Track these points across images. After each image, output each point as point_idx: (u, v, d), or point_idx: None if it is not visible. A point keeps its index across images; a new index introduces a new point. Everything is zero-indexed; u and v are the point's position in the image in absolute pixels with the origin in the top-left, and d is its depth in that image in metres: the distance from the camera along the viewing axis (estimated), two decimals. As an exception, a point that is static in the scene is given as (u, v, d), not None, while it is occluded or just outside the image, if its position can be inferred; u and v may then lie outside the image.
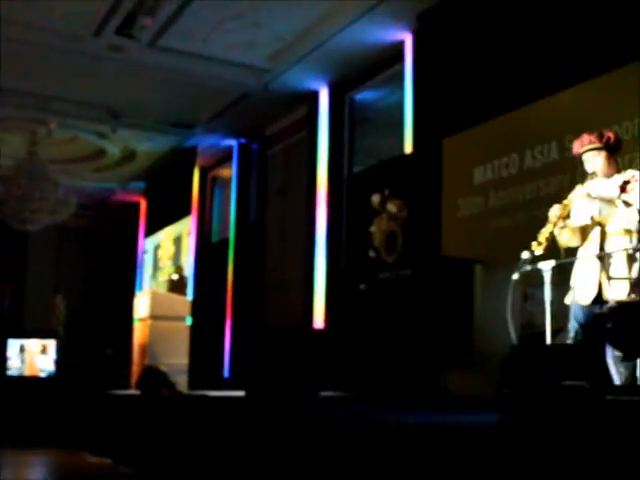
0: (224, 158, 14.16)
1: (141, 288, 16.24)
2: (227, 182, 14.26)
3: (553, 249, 5.23)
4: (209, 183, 15.06)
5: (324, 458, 4.68)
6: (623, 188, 5.14)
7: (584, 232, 5.25)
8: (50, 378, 11.72)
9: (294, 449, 4.95)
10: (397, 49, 9.66)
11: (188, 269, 14.48)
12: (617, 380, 4.78)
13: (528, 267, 5.18)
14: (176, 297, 11.80)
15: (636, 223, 5.02)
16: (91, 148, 14.24)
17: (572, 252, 5.30)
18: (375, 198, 9.64)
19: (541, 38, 7.48)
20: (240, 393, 7.14)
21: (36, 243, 17.15)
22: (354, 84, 10.87)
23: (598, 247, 5.15)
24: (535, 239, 5.10)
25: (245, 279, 13.16)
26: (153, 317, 10.35)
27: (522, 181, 7.66)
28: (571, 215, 5.27)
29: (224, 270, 13.45)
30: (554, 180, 7.24)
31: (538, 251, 5.07)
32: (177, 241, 15.43)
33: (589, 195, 5.18)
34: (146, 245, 16.91)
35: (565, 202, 5.22)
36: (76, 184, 14.87)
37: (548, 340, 5.05)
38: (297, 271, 11.64)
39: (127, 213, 17.58)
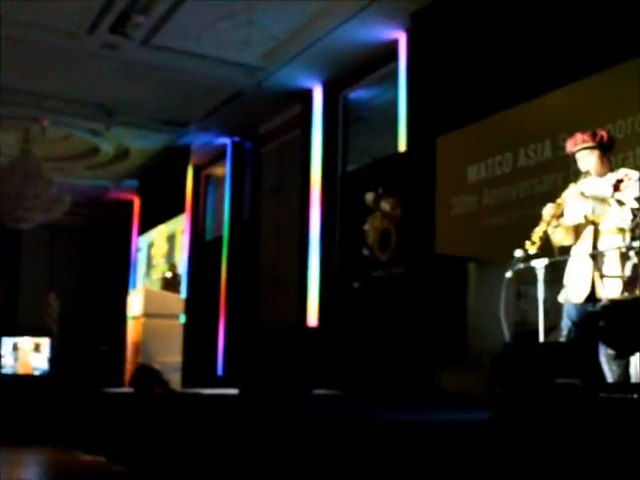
0: (218, 156, 14.15)
1: (135, 286, 16.23)
2: (221, 180, 14.26)
3: (547, 248, 5.24)
4: (203, 181, 15.05)
5: (317, 456, 4.68)
6: (616, 187, 5.15)
7: (577, 231, 5.26)
8: (44, 376, 11.70)
9: (287, 447, 4.95)
10: (391, 48, 9.66)
11: (182, 267, 14.47)
12: (610, 378, 4.80)
13: (521, 265, 5.20)
14: (170, 295, 11.78)
15: (629, 222, 5.03)
16: (85, 146, 14.22)
17: (566, 251, 5.31)
18: (369, 196, 9.65)
19: (534, 37, 7.49)
20: (234, 391, 7.14)
21: (30, 241, 17.13)
22: (348, 83, 10.87)
23: (591, 246, 5.17)
24: (529, 237, 5.11)
25: (239, 277, 13.16)
26: (147, 315, 10.34)
27: (516, 180, 7.67)
28: (564, 214, 5.29)
29: (218, 268, 13.44)
30: (548, 179, 7.26)
31: (532, 250, 5.08)
32: (171, 239, 15.42)
33: (582, 194, 5.19)
34: (140, 243, 16.90)
35: (559, 201, 5.23)
36: (70, 182, 14.86)
37: (541, 338, 5.06)
38: (291, 269, 11.64)
39: (121, 211, 17.56)
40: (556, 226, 5.23)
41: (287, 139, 12.44)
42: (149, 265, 16.26)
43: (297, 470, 4.79)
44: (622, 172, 5.26)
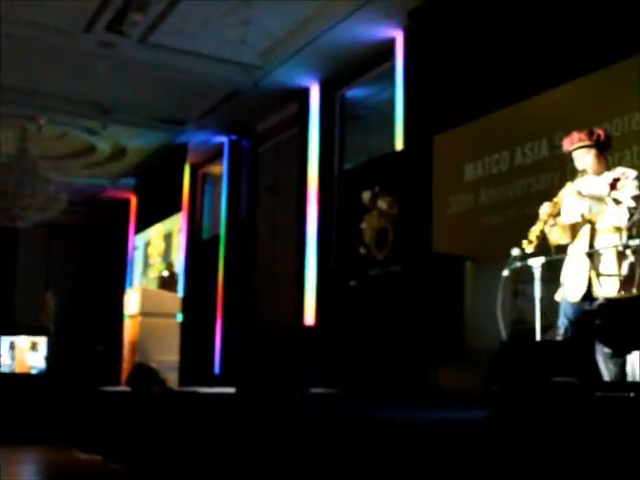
0: (215, 155, 14.15)
1: (131, 285, 16.22)
2: (218, 179, 14.25)
3: (543, 246, 5.24)
4: (200, 180, 15.05)
5: (314, 455, 4.68)
6: (613, 186, 5.16)
7: (574, 230, 5.26)
8: (41, 375, 11.69)
9: (284, 446, 4.95)
10: (388, 46, 9.66)
11: (179, 266, 14.46)
12: (606, 376, 4.80)
13: (518, 264, 5.20)
14: (166, 294, 11.77)
15: (626, 220, 5.04)
16: (81, 144, 14.21)
17: (562, 249, 5.32)
18: (366, 195, 9.65)
19: (531, 36, 7.50)
20: (231, 390, 7.14)
21: (26, 240, 17.11)
22: (345, 81, 10.87)
23: (588, 244, 5.17)
24: (525, 236, 5.12)
25: (236, 276, 13.15)
26: (143, 314, 10.33)
27: (512, 178, 7.68)
28: (561, 213, 5.29)
29: (215, 267, 13.44)
30: (544, 177, 7.27)
31: (529, 249, 5.09)
32: (167, 238, 15.41)
33: (579, 193, 5.20)
34: (136, 242, 16.88)
35: (555, 200, 5.24)
36: (66, 180, 14.84)
37: (538, 337, 5.07)
38: (288, 268, 11.64)
39: (117, 210, 17.55)
40: (553, 225, 5.24)
41: (284, 137, 12.44)
42: (146, 264, 16.24)
43: (294, 469, 4.79)
44: (619, 171, 5.27)
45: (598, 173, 5.29)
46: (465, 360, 6.97)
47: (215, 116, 12.51)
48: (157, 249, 15.76)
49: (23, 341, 11.94)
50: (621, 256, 5.05)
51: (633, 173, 5.19)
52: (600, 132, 5.36)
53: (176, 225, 14.89)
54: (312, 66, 10.58)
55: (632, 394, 4.19)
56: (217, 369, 12.97)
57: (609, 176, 5.23)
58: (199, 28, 9.71)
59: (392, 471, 4.07)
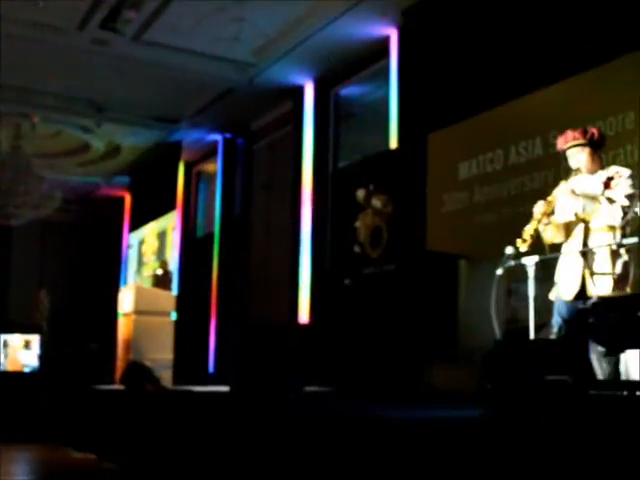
0: (209, 153, 14.14)
1: (125, 283, 16.20)
2: (212, 177, 14.24)
3: (538, 245, 5.25)
4: (194, 178, 15.03)
5: (308, 453, 4.68)
6: (607, 184, 5.16)
7: (568, 228, 5.27)
8: (34, 373, 11.66)
9: (279, 444, 4.95)
10: (382, 44, 9.66)
11: (173, 264, 14.44)
12: (600, 375, 4.81)
13: (512, 262, 5.20)
14: (161, 292, 11.74)
15: (619, 219, 5.04)
16: (75, 142, 14.18)
17: (556, 248, 5.32)
18: (360, 193, 9.64)
19: (526, 34, 7.50)
20: (225, 388, 7.14)
21: (20, 238, 17.08)
22: (339, 79, 10.87)
23: (582, 243, 5.17)
24: (520, 234, 5.12)
25: (230, 274, 13.14)
26: (137, 312, 10.29)
27: (506, 177, 7.68)
28: (555, 211, 5.29)
29: (209, 265, 13.43)
30: (538, 176, 7.27)
31: (523, 248, 5.09)
32: (161, 236, 15.39)
33: (573, 192, 5.20)
34: (131, 240, 16.86)
35: (549, 198, 5.24)
36: (60, 178, 14.83)
37: (532, 335, 5.07)
38: (282, 266, 11.64)
39: (111, 208, 17.53)
40: (547, 224, 5.24)
41: (278, 136, 12.43)
42: (140, 262, 16.22)
43: (288, 467, 4.78)
44: (613, 169, 5.27)
45: (592, 172, 5.29)
46: (459, 359, 6.97)
47: (209, 114, 12.50)
48: (151, 247, 15.74)
49: (16, 339, 11.91)
50: (615, 255, 5.06)
51: (627, 172, 5.19)
52: (594, 131, 5.37)
53: (170, 223, 14.88)
54: (306, 64, 10.58)
55: (626, 393, 4.19)
56: (211, 367, 12.97)
57: (603, 175, 5.23)
58: (193, 25, 9.70)
59: (386, 470, 4.07)
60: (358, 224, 9.65)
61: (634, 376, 4.74)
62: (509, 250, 5.16)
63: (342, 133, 11.06)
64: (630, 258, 5.06)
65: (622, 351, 4.68)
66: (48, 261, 17.93)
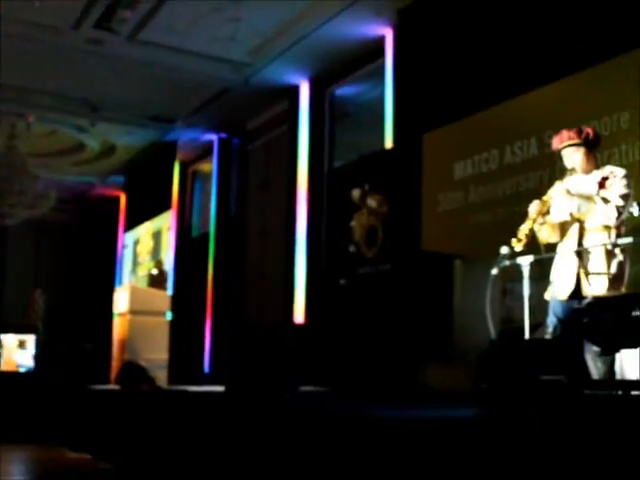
0: (204, 152, 14.13)
1: (121, 283, 16.18)
2: (207, 177, 14.23)
3: (533, 245, 5.25)
4: (189, 178, 15.02)
5: (304, 453, 4.68)
6: (602, 184, 5.16)
7: (563, 228, 5.27)
8: (29, 373, 11.65)
9: (274, 444, 4.95)
10: (378, 44, 9.66)
11: (168, 264, 14.43)
12: (595, 375, 4.81)
13: (507, 262, 5.21)
14: (156, 292, 11.75)
15: (614, 219, 5.04)
16: (70, 142, 14.16)
17: (552, 248, 5.33)
18: (355, 193, 9.65)
19: (521, 34, 7.51)
20: (220, 388, 7.14)
21: (15, 237, 17.06)
22: (335, 79, 10.87)
23: (577, 243, 5.18)
24: (515, 234, 5.12)
25: (225, 274, 13.14)
26: (133, 312, 10.30)
27: (502, 176, 7.69)
28: (550, 211, 5.30)
29: (204, 265, 13.42)
30: (533, 176, 7.28)
31: (518, 247, 5.09)
32: (156, 236, 15.37)
33: (568, 191, 5.20)
34: (126, 240, 16.84)
35: (544, 198, 5.24)
36: (55, 178, 14.79)
37: (527, 335, 5.08)
38: (277, 266, 11.63)
39: (107, 207, 17.50)
40: (542, 223, 5.25)
41: (274, 135, 12.43)
42: (135, 262, 16.21)
43: (284, 467, 4.79)
44: (607, 169, 5.28)
45: (587, 172, 5.29)
46: (454, 358, 6.98)
47: (205, 114, 12.49)
48: (146, 247, 15.73)
49: (11, 339, 11.90)
50: (610, 255, 5.06)
51: (622, 172, 5.20)
52: (589, 130, 5.37)
53: (165, 223, 14.87)
54: (302, 64, 10.57)
55: (620, 392, 4.20)
56: (206, 367, 12.95)
57: (598, 175, 5.24)
58: (188, 25, 9.69)
59: (382, 469, 4.07)
60: (353, 224, 9.66)
61: (629, 376, 4.75)
62: (504, 250, 5.17)
63: (337, 133, 11.05)
64: (625, 258, 5.07)
65: (617, 351, 4.69)
66: (43, 261, 17.90)
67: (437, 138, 8.56)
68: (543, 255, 5.28)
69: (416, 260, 8.31)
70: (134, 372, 8.45)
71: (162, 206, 14.83)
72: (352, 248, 9.62)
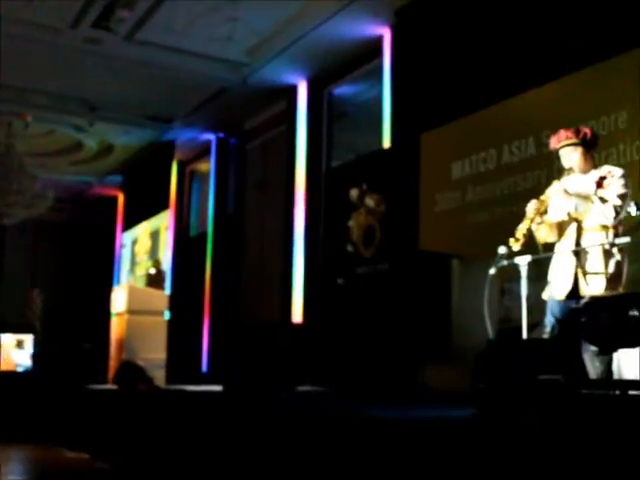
0: (202, 152, 14.13)
1: (119, 282, 16.18)
2: (205, 176, 14.23)
3: (531, 244, 5.25)
4: (187, 177, 15.02)
5: (301, 452, 4.69)
6: (599, 184, 5.17)
7: (561, 228, 5.27)
8: (27, 373, 11.64)
9: (271, 443, 4.95)
10: (376, 44, 9.67)
11: (166, 263, 14.43)
12: (593, 374, 4.82)
13: (505, 262, 5.21)
14: (154, 291, 11.72)
15: (612, 219, 5.05)
16: (68, 141, 14.16)
17: (550, 247, 5.33)
18: (353, 193, 9.65)
19: (518, 34, 7.51)
20: (218, 388, 7.13)
21: (13, 237, 17.04)
22: (333, 79, 10.87)
23: (574, 243, 5.18)
24: (512, 234, 5.12)
25: (223, 273, 13.14)
26: (130, 311, 10.28)
27: (499, 176, 7.69)
28: (548, 211, 5.30)
29: (202, 264, 13.42)
30: (531, 175, 7.28)
31: (516, 247, 5.09)
32: (154, 236, 15.37)
33: (566, 191, 5.20)
34: (124, 239, 16.83)
35: (542, 198, 5.24)
36: (53, 178, 14.79)
37: (524, 335, 5.08)
38: (275, 265, 11.64)
39: (104, 207, 17.50)
40: (540, 223, 5.24)
41: (272, 135, 12.43)
42: (133, 261, 16.20)
43: (280, 466, 4.79)
44: (605, 169, 5.28)
45: (585, 171, 5.30)
46: (452, 358, 6.98)
47: (202, 113, 12.49)
48: (143, 247, 15.73)
49: (9, 339, 11.89)
50: (607, 254, 5.07)
51: (619, 171, 5.20)
52: (587, 130, 5.37)
53: (163, 222, 14.86)
54: (300, 63, 10.57)
55: (618, 392, 4.20)
56: (204, 367, 12.96)
57: (596, 174, 5.24)
58: (186, 25, 9.69)
59: (379, 469, 4.08)
60: (351, 223, 9.66)
61: (626, 375, 4.76)
62: (502, 250, 5.17)
63: (335, 132, 11.06)
64: (623, 257, 5.07)
65: (614, 350, 4.69)
66: (41, 260, 17.89)
67: (435, 138, 8.56)
68: (541, 255, 5.28)
69: (414, 260, 8.32)
70: (132, 372, 8.44)
71: (160, 206, 14.83)
72: (350, 248, 9.62)
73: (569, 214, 5.21)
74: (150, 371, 8.79)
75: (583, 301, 4.81)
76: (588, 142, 5.33)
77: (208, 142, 13.71)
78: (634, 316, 4.19)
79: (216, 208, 13.41)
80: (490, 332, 5.22)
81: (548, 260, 5.33)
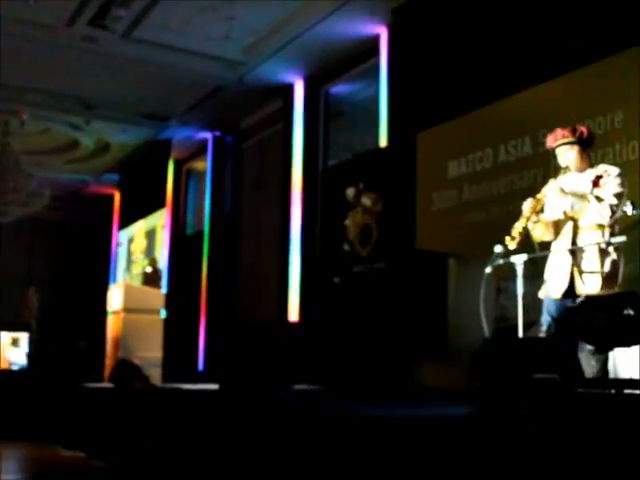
0: (199, 151, 14.12)
1: (115, 281, 16.16)
2: (202, 175, 14.23)
3: (527, 243, 5.26)
4: (184, 176, 15.01)
5: (298, 451, 4.69)
6: (595, 183, 5.17)
7: (557, 226, 5.28)
8: (22, 371, 11.63)
9: (268, 442, 4.95)
10: (372, 43, 9.67)
11: (162, 262, 14.42)
12: (588, 373, 4.82)
13: (501, 261, 5.21)
14: (150, 290, 11.74)
15: (608, 218, 5.05)
16: (64, 140, 14.14)
17: (546, 246, 5.34)
18: (350, 191, 9.65)
19: (515, 33, 7.52)
20: (214, 386, 7.13)
21: (8, 235, 17.01)
22: (329, 77, 10.87)
23: (570, 241, 5.19)
24: (509, 233, 5.13)
25: (220, 272, 13.13)
26: (127, 310, 10.29)
27: (496, 175, 7.70)
28: (544, 209, 5.31)
29: (198, 263, 13.41)
30: (528, 174, 7.29)
31: (512, 246, 5.09)
32: (150, 234, 15.36)
33: (562, 190, 5.21)
34: (120, 238, 16.82)
35: (538, 196, 5.24)
36: (49, 176, 14.77)
37: (520, 333, 5.08)
38: (272, 264, 11.63)
39: (101, 205, 17.48)
40: (536, 221, 5.25)
41: (268, 134, 12.43)
42: (129, 260, 16.19)
43: (278, 465, 4.79)
44: (601, 168, 5.28)
45: (581, 170, 5.30)
46: (448, 357, 6.99)
47: (199, 112, 12.49)
48: (139, 246, 15.71)
49: (4, 337, 11.88)
50: (603, 253, 5.07)
51: (615, 170, 5.20)
52: (583, 129, 5.38)
53: (160, 221, 14.85)
54: (296, 62, 10.57)
55: (613, 391, 4.21)
56: (201, 366, 12.95)
57: (592, 173, 5.24)
58: (183, 23, 9.69)
59: (375, 468, 4.08)
60: (348, 222, 9.66)
61: (622, 374, 4.76)
62: (498, 248, 5.17)
63: (332, 131, 11.06)
64: (618, 256, 5.08)
65: (610, 349, 4.70)
66: (37, 259, 17.87)
67: (431, 137, 8.57)
68: (537, 254, 5.28)
69: (410, 259, 8.32)
70: (128, 370, 8.44)
71: (156, 204, 14.82)
72: (346, 247, 9.62)
73: (565, 213, 5.21)
74: (146, 369, 8.78)
75: (579, 300, 4.82)
76: (585, 141, 5.34)
77: (204, 140, 13.71)
78: (630, 315, 4.19)
79: (212, 207, 13.41)
80: (486, 331, 5.23)
81: (544, 259, 5.33)
